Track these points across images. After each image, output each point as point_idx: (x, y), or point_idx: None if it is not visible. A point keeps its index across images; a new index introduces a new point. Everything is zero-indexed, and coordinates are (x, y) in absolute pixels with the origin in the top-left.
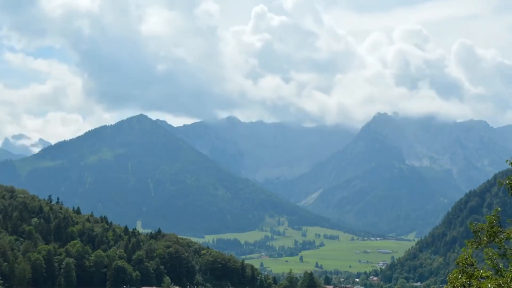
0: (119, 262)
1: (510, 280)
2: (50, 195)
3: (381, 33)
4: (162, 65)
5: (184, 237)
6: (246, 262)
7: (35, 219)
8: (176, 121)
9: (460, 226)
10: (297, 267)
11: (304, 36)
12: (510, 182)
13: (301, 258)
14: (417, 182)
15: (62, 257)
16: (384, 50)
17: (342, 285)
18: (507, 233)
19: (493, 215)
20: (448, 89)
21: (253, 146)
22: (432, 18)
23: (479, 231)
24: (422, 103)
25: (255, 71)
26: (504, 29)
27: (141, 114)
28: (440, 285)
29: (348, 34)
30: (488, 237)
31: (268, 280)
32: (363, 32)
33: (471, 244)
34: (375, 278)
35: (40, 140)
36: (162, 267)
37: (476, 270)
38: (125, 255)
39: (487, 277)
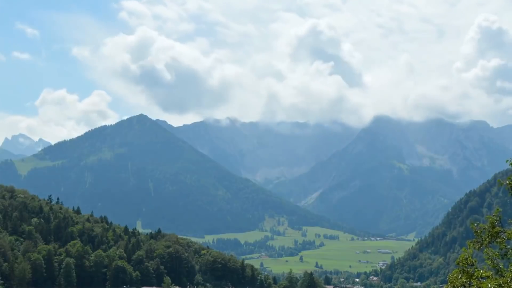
0: (119, 262)
1: (510, 280)
2: (50, 195)
3: None
4: None
5: (184, 237)
6: (246, 262)
7: (35, 219)
8: (176, 121)
9: (460, 226)
10: (297, 267)
11: None
12: (510, 182)
13: (301, 258)
14: (417, 182)
15: (62, 257)
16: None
17: (342, 285)
18: (509, 233)
19: (495, 215)
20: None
21: (253, 146)
22: None
23: (481, 231)
24: (423, 103)
25: None
26: None
27: (141, 114)
28: (440, 285)
29: None
30: (490, 237)
31: (268, 280)
32: None
33: (473, 244)
34: (375, 278)
35: (40, 140)
36: (162, 267)
37: (476, 270)
38: (125, 255)
39: (488, 277)
